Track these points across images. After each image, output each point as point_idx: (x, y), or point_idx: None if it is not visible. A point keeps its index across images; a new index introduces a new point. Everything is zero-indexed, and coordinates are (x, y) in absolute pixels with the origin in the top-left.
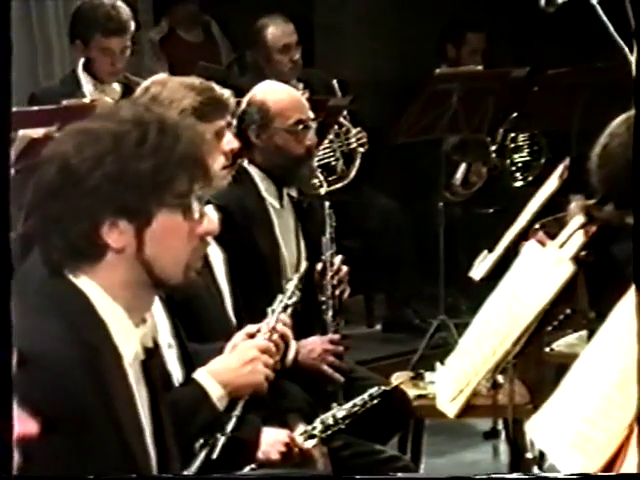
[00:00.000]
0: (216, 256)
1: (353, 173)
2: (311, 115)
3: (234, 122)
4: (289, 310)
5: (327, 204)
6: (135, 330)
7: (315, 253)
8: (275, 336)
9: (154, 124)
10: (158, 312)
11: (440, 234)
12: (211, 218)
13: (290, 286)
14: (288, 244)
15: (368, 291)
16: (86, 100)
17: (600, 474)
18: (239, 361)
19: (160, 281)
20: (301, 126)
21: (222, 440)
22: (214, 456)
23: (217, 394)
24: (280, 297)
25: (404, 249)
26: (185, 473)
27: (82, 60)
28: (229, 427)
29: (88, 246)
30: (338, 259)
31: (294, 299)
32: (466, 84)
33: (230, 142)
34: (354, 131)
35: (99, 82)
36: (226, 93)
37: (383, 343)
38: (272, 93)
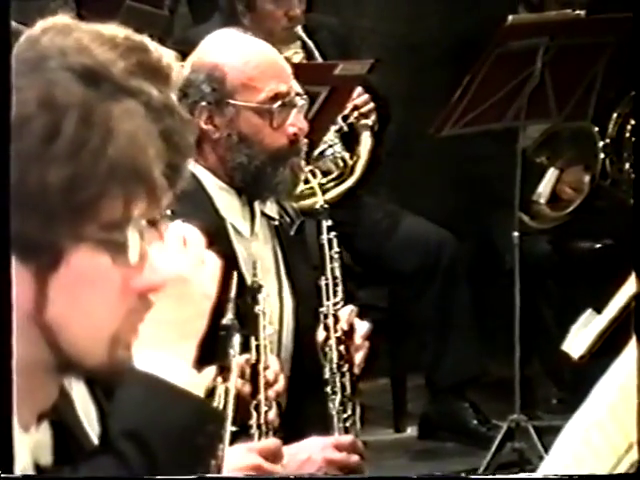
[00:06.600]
0: None
1: (359, 170)
2: (296, 86)
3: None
4: None
5: (326, 224)
6: (23, 436)
7: (309, 305)
8: None
9: (74, 108)
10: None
11: (515, 280)
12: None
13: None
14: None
15: (397, 372)
16: None
17: (598, 474)
18: None
19: (70, 360)
20: (279, 102)
21: None
22: None
23: None
24: None
25: (456, 304)
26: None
27: None
28: None
29: None
30: (347, 311)
31: None
32: (560, 39)
33: None
34: (359, 100)
35: None
36: (166, 55)
37: (419, 457)
38: (230, 50)
